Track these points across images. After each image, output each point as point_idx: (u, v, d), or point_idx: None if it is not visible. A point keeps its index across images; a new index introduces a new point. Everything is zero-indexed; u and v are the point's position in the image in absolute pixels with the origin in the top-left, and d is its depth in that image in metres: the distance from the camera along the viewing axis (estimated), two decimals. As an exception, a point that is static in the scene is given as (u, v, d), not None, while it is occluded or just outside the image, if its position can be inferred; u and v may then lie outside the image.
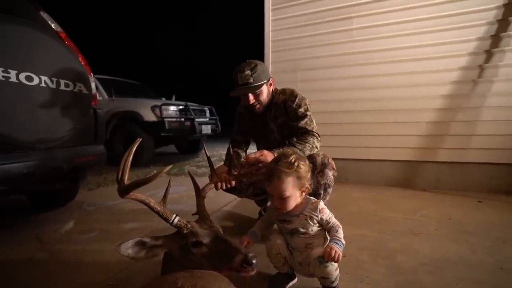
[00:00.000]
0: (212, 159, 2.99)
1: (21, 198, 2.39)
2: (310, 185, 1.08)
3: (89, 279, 1.26)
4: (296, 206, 1.07)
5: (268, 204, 1.87)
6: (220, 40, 31.00)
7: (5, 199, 2.52)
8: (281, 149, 1.39)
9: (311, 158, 1.49)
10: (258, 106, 1.60)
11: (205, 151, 1.23)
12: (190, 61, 28.77)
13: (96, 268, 1.35)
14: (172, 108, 4.67)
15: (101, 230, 1.87)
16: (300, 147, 1.46)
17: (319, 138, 1.56)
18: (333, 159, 1.58)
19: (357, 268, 1.29)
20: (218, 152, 6.09)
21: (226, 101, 2.42)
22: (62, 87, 1.61)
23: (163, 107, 4.50)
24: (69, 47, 1.73)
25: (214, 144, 7.64)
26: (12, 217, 2.16)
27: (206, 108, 5.63)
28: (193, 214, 1.03)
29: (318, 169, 1.50)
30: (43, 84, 1.50)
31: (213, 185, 1.19)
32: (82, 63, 1.80)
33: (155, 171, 4.02)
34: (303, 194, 1.07)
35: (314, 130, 1.57)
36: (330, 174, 1.53)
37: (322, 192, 1.52)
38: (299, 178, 1.02)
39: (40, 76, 1.49)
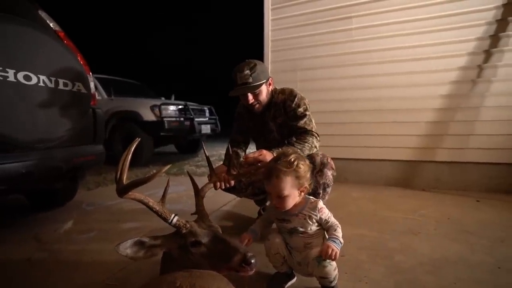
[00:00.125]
0: (212, 159, 2.99)
1: (20, 197, 2.39)
2: (309, 185, 1.07)
3: (88, 279, 1.26)
4: (295, 205, 1.06)
5: (267, 203, 1.87)
6: (220, 40, 31.06)
7: (3, 199, 2.52)
8: (280, 149, 1.39)
9: (310, 157, 1.49)
10: (257, 105, 1.60)
11: (204, 151, 1.23)
12: (190, 61, 28.82)
13: (95, 268, 1.35)
14: (172, 107, 4.67)
15: (100, 230, 1.86)
16: (299, 147, 1.46)
17: (318, 138, 1.56)
18: (332, 158, 1.58)
19: (356, 267, 1.29)
20: (217, 152, 6.09)
21: (226, 100, 2.42)
22: (61, 86, 1.60)
23: (163, 106, 4.49)
24: (67, 46, 1.72)
25: (213, 144, 7.63)
26: (10, 217, 2.15)
27: (205, 108, 5.61)
28: (192, 214, 1.03)
29: (317, 168, 1.51)
30: (41, 84, 1.49)
31: (212, 185, 1.19)
32: (81, 62, 1.79)
33: (154, 171, 3.90)
34: (302, 193, 1.07)
35: (313, 129, 1.57)
36: (329, 173, 1.54)
37: (321, 191, 1.52)
38: (298, 177, 1.02)
39: (39, 75, 1.48)
